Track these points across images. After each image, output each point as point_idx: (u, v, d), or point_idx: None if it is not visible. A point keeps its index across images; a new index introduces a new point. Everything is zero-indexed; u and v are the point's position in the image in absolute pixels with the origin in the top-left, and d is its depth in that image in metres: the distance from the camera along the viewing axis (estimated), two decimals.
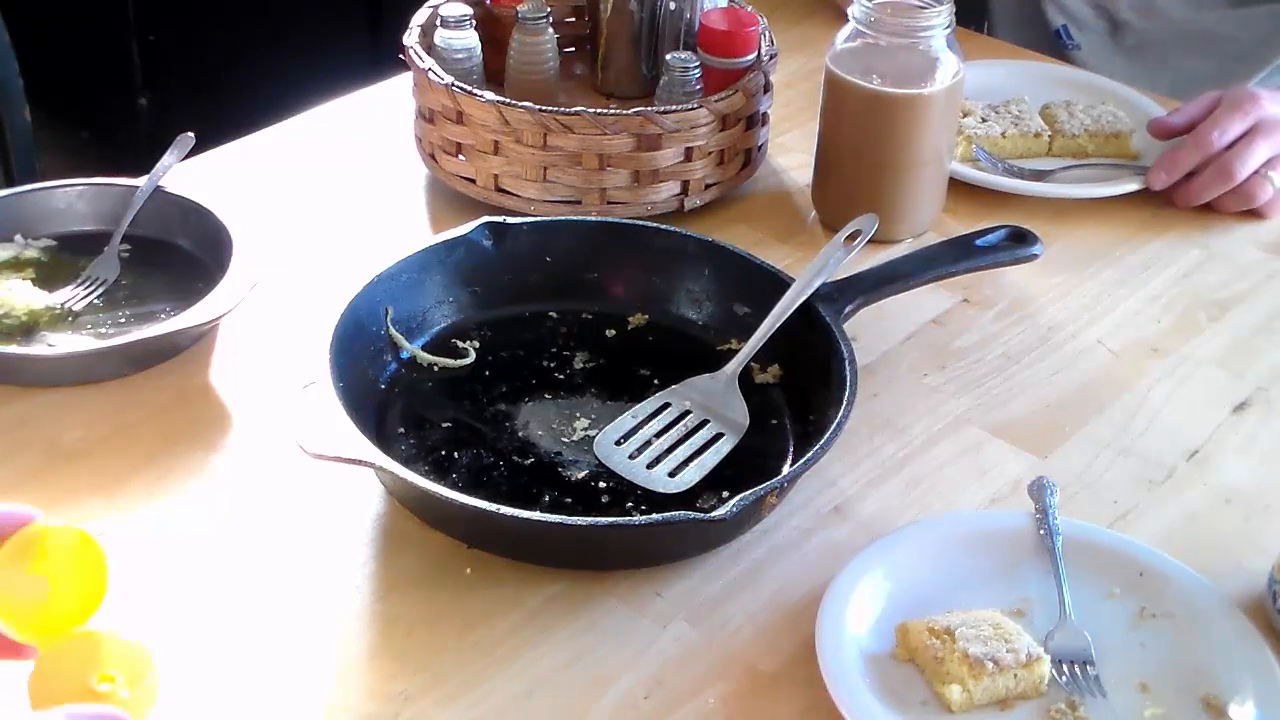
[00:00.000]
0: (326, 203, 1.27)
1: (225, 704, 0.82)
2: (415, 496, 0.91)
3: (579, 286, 1.11)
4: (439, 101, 1.21)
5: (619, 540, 0.91)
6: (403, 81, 1.33)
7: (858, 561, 0.90)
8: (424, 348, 1.06)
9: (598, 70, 1.39)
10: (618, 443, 0.97)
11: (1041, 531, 0.93)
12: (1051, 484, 0.96)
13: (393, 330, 1.04)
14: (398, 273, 1.05)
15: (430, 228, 1.25)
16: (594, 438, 0.97)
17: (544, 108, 1.17)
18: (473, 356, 1.06)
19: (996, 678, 0.83)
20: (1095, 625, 0.87)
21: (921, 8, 1.17)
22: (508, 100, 1.19)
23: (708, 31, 1.28)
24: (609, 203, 1.21)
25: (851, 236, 1.08)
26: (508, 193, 1.22)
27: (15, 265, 1.13)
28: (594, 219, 1.15)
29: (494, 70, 1.32)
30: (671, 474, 0.95)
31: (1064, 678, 0.84)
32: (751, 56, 1.27)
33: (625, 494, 0.95)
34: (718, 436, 0.98)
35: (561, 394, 1.03)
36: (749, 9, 1.31)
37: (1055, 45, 1.65)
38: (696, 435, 0.98)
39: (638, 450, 0.96)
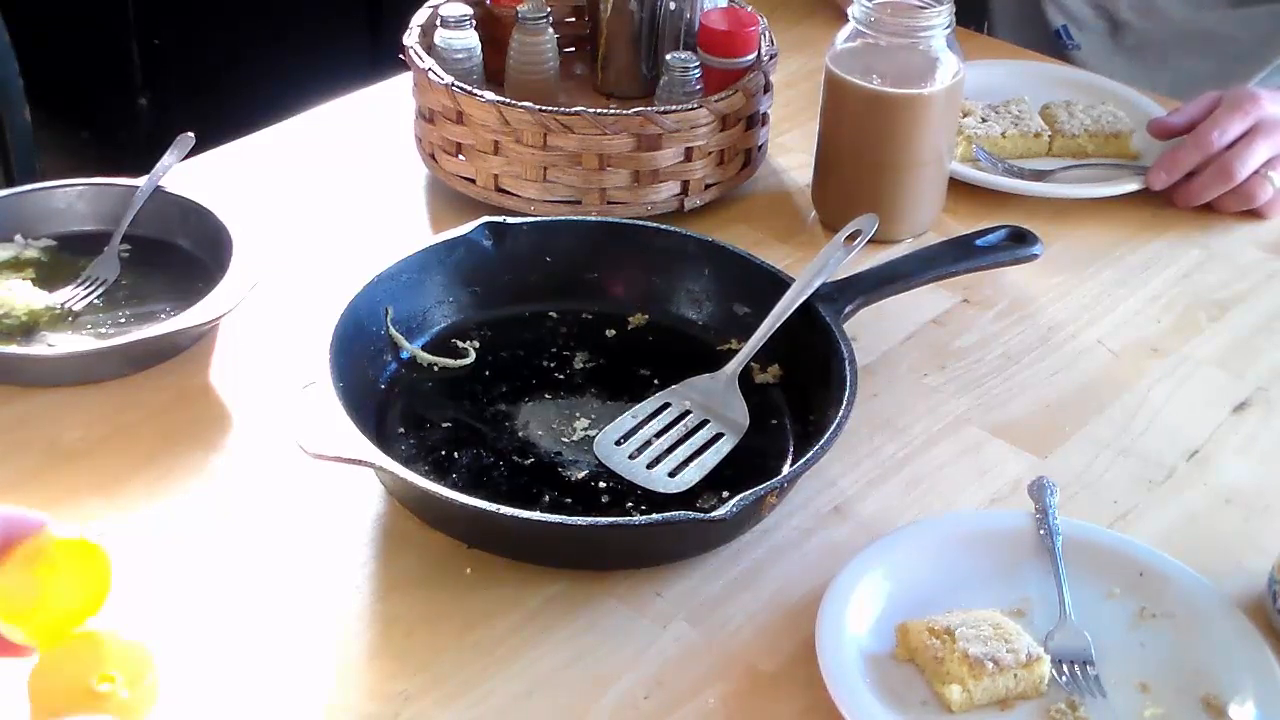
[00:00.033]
0: (326, 203, 1.27)
1: (225, 704, 0.82)
2: (415, 496, 0.91)
3: (579, 286, 1.11)
4: (439, 101, 1.21)
5: (619, 540, 0.91)
6: (403, 81, 1.33)
7: (858, 561, 0.90)
8: (424, 348, 1.06)
9: (598, 70, 1.39)
10: (618, 443, 0.97)
11: (1041, 531, 0.93)
12: (1051, 484, 0.96)
13: (393, 330, 1.04)
14: (398, 273, 1.05)
15: (430, 228, 1.25)
16: (594, 438, 0.97)
17: (544, 108, 1.17)
18: (473, 356, 1.06)
19: (996, 678, 0.83)
20: (1095, 625, 0.87)
21: (921, 8, 1.17)
22: (508, 100, 1.19)
23: (708, 31, 1.28)
24: (609, 203, 1.21)
25: (851, 236, 1.08)
26: (508, 193, 1.22)
27: (15, 265, 1.13)
28: (594, 219, 1.15)
29: (494, 70, 1.32)
30: (671, 474, 0.95)
31: (1064, 678, 0.84)
32: (751, 56, 1.27)
33: (625, 494, 0.95)
34: (718, 436, 0.98)
35: (561, 394, 1.03)
36: (749, 9, 1.31)
37: (1055, 45, 1.65)
38: (696, 435, 0.98)
39: (638, 450, 0.96)
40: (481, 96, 1.18)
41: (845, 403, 0.94)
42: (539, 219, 1.13)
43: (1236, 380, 1.11)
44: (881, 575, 0.89)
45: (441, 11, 1.28)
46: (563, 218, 1.14)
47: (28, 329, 1.07)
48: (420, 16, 1.30)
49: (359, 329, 1.01)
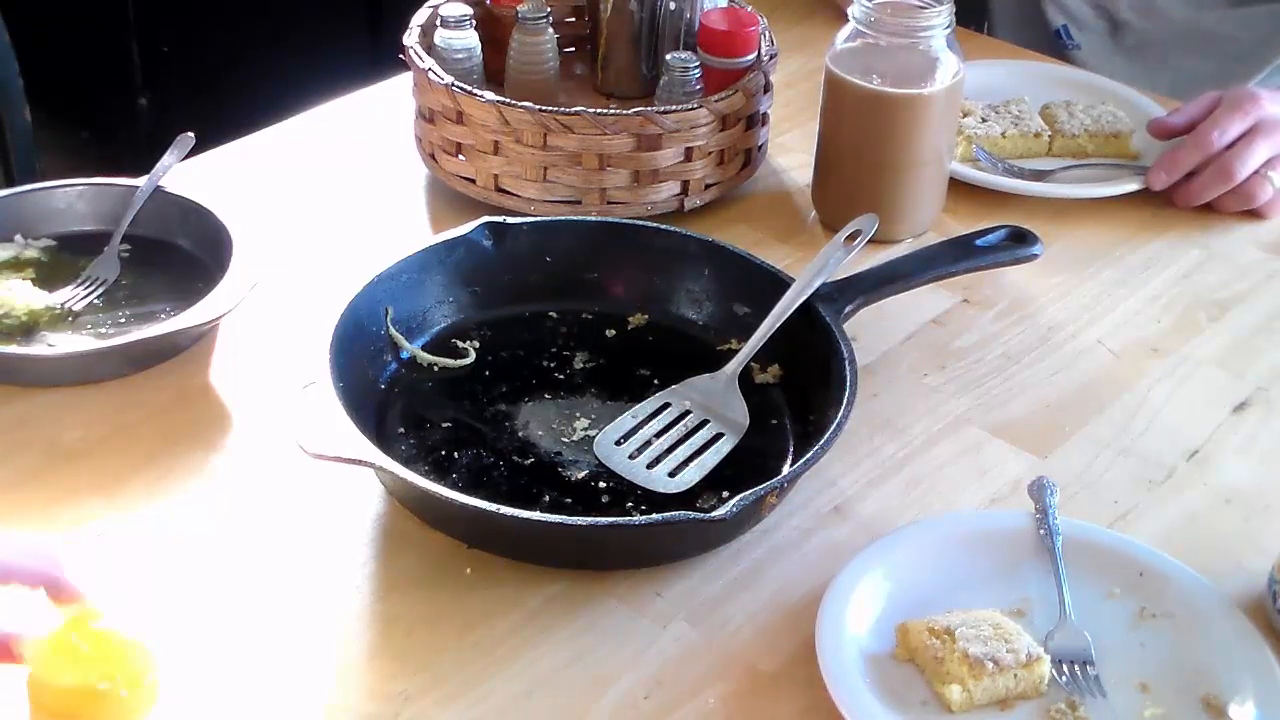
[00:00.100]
0: (326, 203, 1.27)
1: (225, 704, 0.82)
2: (415, 496, 0.91)
3: (579, 286, 1.11)
4: (439, 101, 1.21)
5: (619, 540, 0.91)
6: (403, 81, 1.32)
7: (858, 561, 0.90)
8: (424, 348, 1.06)
9: (598, 70, 1.39)
10: (618, 443, 0.97)
11: (1041, 531, 0.93)
12: (1051, 484, 0.96)
13: (393, 330, 1.04)
14: (398, 273, 1.05)
15: (430, 228, 1.25)
16: (594, 438, 0.97)
17: (544, 108, 1.17)
18: (473, 356, 1.06)
19: (996, 678, 0.83)
20: (1095, 625, 0.87)
21: (921, 8, 1.17)
22: (508, 100, 1.19)
23: (708, 31, 1.28)
24: (609, 203, 1.21)
25: (851, 236, 1.08)
26: (508, 193, 1.22)
27: (15, 265, 1.13)
28: (594, 219, 1.15)
29: (494, 70, 1.32)
30: (671, 474, 0.95)
31: (1064, 678, 0.84)
32: (751, 56, 1.27)
33: (625, 494, 0.95)
34: (718, 436, 0.98)
35: (561, 394, 1.03)
36: (749, 9, 1.31)
37: (1055, 45, 1.65)
38: (696, 435, 0.98)
39: (638, 450, 0.96)
40: (481, 96, 1.18)
41: (845, 403, 0.94)
42: (539, 219, 1.13)
43: (1236, 380, 1.11)
44: (881, 575, 0.89)
45: (441, 11, 1.28)
46: (563, 218, 1.14)
47: (28, 329, 1.07)
48: (420, 16, 1.30)
49: (359, 329, 1.01)
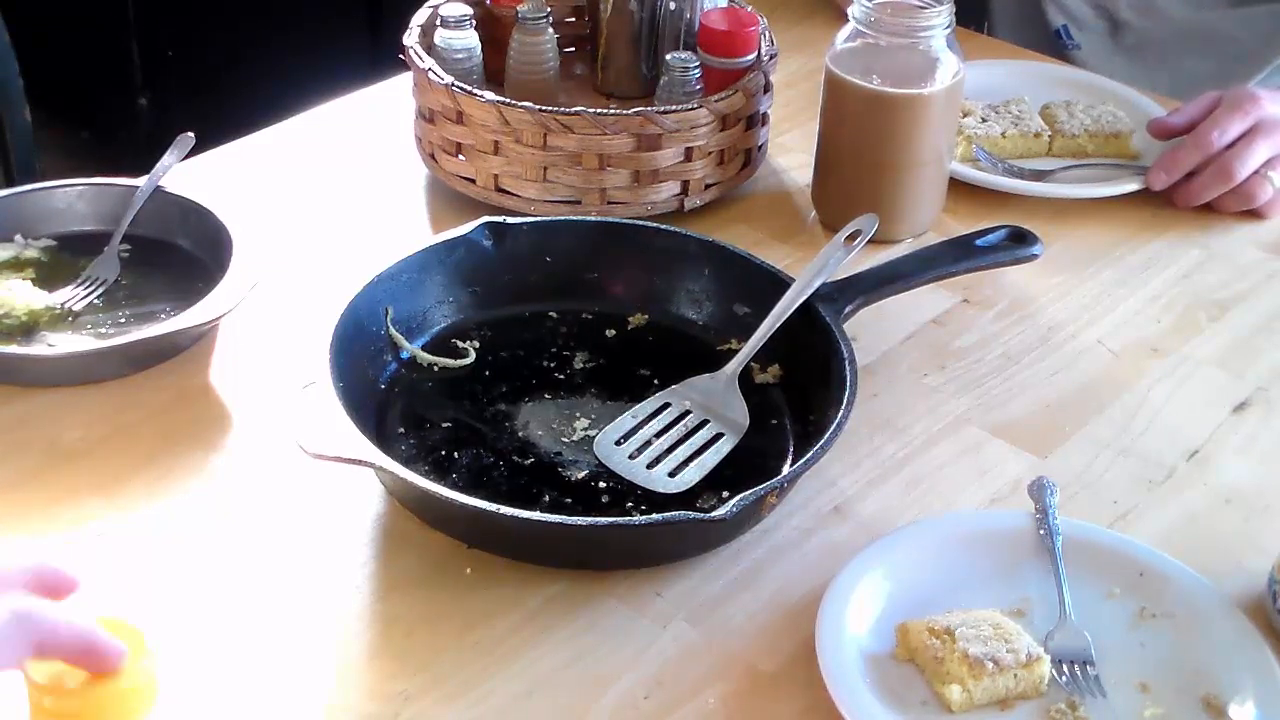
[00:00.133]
0: (326, 203, 1.27)
1: (225, 703, 0.82)
2: (415, 496, 0.91)
3: (579, 286, 1.11)
4: (439, 101, 1.21)
5: (619, 540, 0.91)
6: (403, 81, 1.32)
7: (858, 561, 0.90)
8: (424, 348, 1.06)
9: (598, 70, 1.39)
10: (618, 443, 0.97)
11: (1041, 531, 0.93)
12: (1051, 484, 0.96)
13: (393, 330, 1.04)
14: (398, 273, 1.05)
15: (430, 228, 1.25)
16: (594, 438, 0.97)
17: (544, 108, 1.17)
18: (473, 356, 1.06)
19: (996, 678, 0.83)
20: (1095, 625, 0.87)
21: (921, 8, 1.17)
22: (508, 100, 1.19)
23: (708, 31, 1.28)
24: (609, 203, 1.21)
25: (851, 236, 1.08)
26: (508, 193, 1.22)
27: (15, 265, 1.13)
28: (594, 219, 1.15)
29: (494, 70, 1.32)
30: (671, 474, 0.95)
31: (1064, 678, 0.84)
32: (751, 56, 1.27)
33: (625, 494, 0.95)
34: (718, 436, 0.98)
35: (561, 394, 1.03)
36: (749, 9, 1.31)
37: (1055, 45, 1.65)
38: (696, 435, 0.98)
39: (638, 450, 0.96)
40: (481, 96, 1.18)
41: (845, 403, 0.94)
42: (539, 219, 1.13)
43: (1236, 380, 1.11)
44: (881, 575, 0.89)
45: (441, 11, 1.28)
46: (563, 218, 1.14)
47: (28, 329, 1.07)
48: (420, 16, 1.30)
49: (359, 329, 1.01)
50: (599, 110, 1.18)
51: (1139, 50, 1.64)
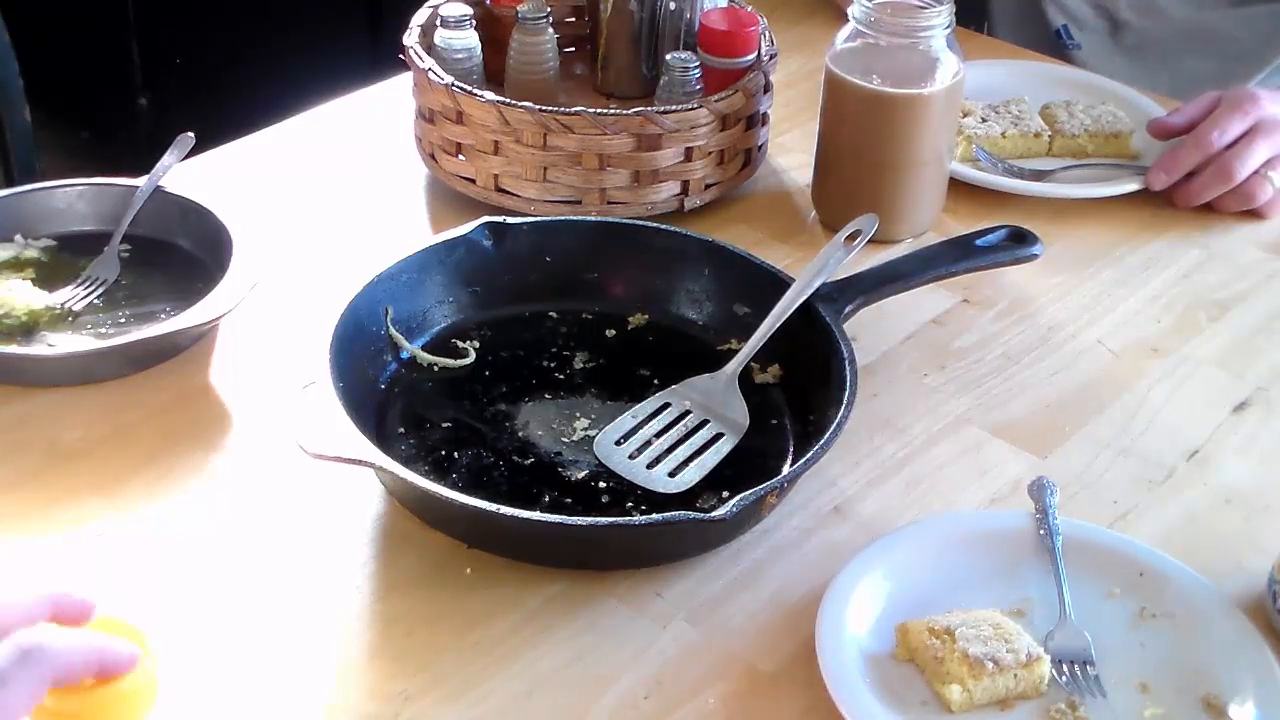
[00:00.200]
0: (326, 203, 1.27)
1: (225, 703, 0.82)
2: (415, 496, 0.91)
3: (579, 286, 1.11)
4: (439, 101, 1.21)
5: (619, 540, 0.91)
6: (403, 81, 1.33)
7: (858, 561, 0.90)
8: (424, 348, 1.06)
9: (598, 70, 1.39)
10: (618, 443, 0.97)
11: (1041, 531, 0.93)
12: (1051, 484, 0.96)
13: (393, 330, 1.04)
14: (398, 273, 1.05)
15: (430, 228, 1.25)
16: (594, 438, 0.97)
17: (544, 108, 1.17)
18: (473, 356, 1.06)
19: (996, 678, 0.83)
20: (1095, 625, 0.87)
21: (921, 8, 1.17)
22: (508, 100, 1.19)
23: (708, 31, 1.28)
24: (609, 203, 1.21)
25: (851, 236, 1.08)
26: (508, 193, 1.22)
27: (15, 265, 1.13)
28: (594, 219, 1.15)
29: (494, 70, 1.32)
30: (671, 474, 0.95)
31: (1064, 678, 0.84)
32: (751, 56, 1.27)
33: (625, 494, 0.95)
34: (718, 436, 0.98)
35: (561, 394, 1.03)
36: (749, 9, 1.31)
37: (1055, 45, 1.65)
38: (696, 435, 0.98)
39: (638, 450, 0.96)
40: (481, 96, 1.18)
41: (845, 403, 0.94)
42: (539, 219, 1.13)
43: (1236, 380, 1.11)
44: (881, 575, 0.89)
45: (441, 11, 1.28)
46: (563, 218, 1.14)
47: (28, 329, 1.07)
48: (420, 16, 1.30)
49: (359, 329, 1.01)
50: (599, 110, 1.18)
51: (1139, 50, 1.64)
